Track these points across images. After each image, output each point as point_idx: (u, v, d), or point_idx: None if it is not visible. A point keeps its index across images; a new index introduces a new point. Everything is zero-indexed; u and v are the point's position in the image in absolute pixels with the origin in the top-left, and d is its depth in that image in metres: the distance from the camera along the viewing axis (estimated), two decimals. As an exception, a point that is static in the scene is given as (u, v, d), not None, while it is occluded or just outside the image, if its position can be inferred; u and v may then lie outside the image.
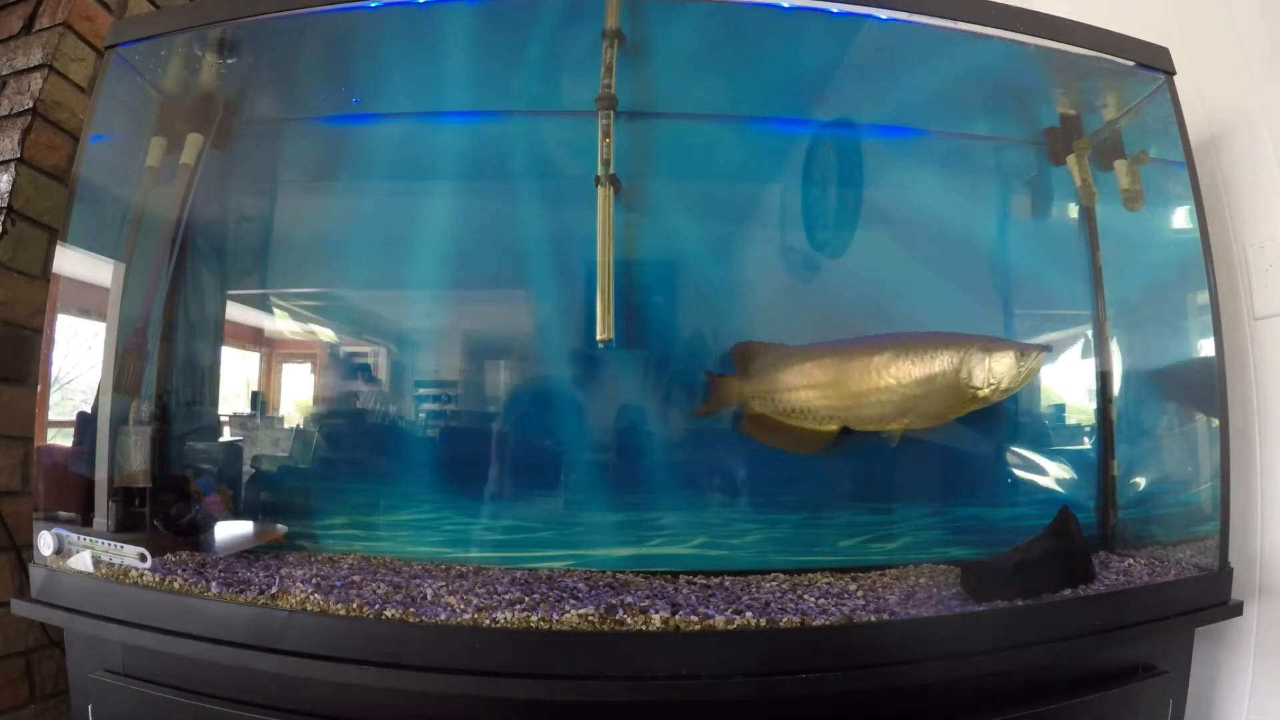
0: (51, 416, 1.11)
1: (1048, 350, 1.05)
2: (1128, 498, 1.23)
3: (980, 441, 1.21)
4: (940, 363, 1.01)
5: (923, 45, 1.15)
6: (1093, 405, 1.24)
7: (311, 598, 0.89)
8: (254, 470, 1.17)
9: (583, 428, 1.14)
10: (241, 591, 0.91)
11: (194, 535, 1.10)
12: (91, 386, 1.12)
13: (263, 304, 1.23)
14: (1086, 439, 1.24)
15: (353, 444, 1.19)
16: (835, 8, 1.10)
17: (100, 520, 1.07)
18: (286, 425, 1.20)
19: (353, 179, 1.25)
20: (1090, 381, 1.24)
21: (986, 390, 1.00)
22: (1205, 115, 1.22)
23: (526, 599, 0.90)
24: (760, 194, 1.22)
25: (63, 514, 1.06)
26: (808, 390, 1.05)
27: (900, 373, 1.01)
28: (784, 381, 1.06)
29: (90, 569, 0.97)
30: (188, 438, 1.19)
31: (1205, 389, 1.11)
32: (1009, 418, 1.24)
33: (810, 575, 1.05)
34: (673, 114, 1.21)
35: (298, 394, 1.22)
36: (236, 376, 1.21)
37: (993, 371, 1.00)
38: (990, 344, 1.02)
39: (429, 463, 1.16)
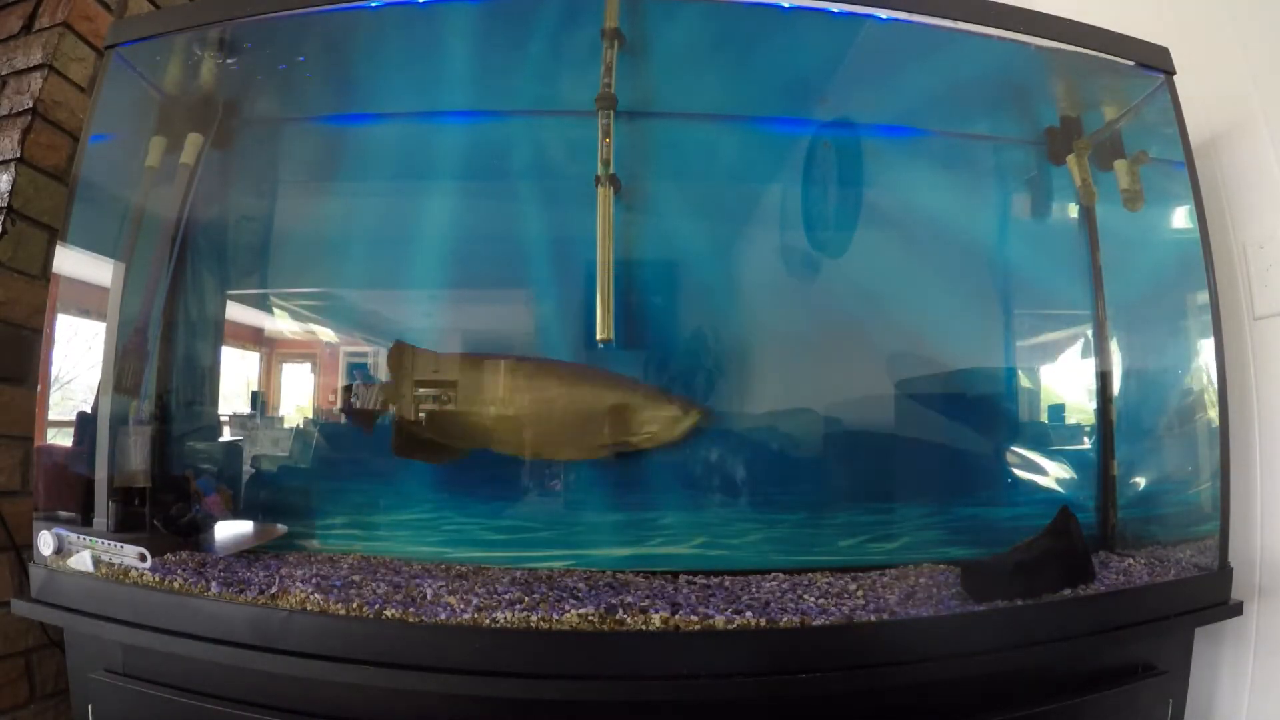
0: (51, 416, 1.11)
1: (708, 411, 1.04)
2: (1128, 497, 1.23)
3: (980, 441, 1.21)
4: (600, 402, 0.99)
5: (923, 45, 1.15)
6: (1093, 405, 1.24)
7: (311, 597, 0.89)
8: (254, 470, 1.17)
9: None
10: (241, 591, 0.91)
11: (194, 535, 1.10)
12: (91, 386, 1.12)
13: (262, 304, 1.23)
14: (1086, 439, 1.24)
15: (353, 443, 1.19)
16: (835, 8, 1.10)
17: (100, 520, 1.07)
18: (286, 425, 1.20)
19: (353, 179, 1.25)
20: (1090, 381, 1.24)
21: (639, 438, 0.99)
22: (1205, 115, 1.22)
23: (526, 599, 0.90)
24: (760, 194, 1.22)
25: (63, 514, 1.06)
26: (448, 404, 1.01)
27: (557, 405, 0.99)
28: (425, 391, 1.02)
29: (90, 569, 0.97)
30: (188, 437, 1.19)
31: (1205, 389, 1.11)
32: (1009, 418, 1.24)
33: (810, 575, 1.05)
34: (673, 114, 1.21)
35: (297, 394, 1.22)
36: (236, 376, 1.21)
37: (652, 421, 0.99)
38: (657, 395, 1.01)
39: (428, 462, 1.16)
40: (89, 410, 1.12)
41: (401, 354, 1.02)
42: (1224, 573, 1.05)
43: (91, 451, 1.10)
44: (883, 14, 1.09)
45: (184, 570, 0.98)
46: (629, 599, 0.91)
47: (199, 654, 0.87)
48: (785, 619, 0.86)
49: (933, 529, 1.15)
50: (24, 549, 1.17)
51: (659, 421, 0.99)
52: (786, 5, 1.12)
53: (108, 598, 0.93)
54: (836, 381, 1.17)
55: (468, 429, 1.00)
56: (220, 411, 1.21)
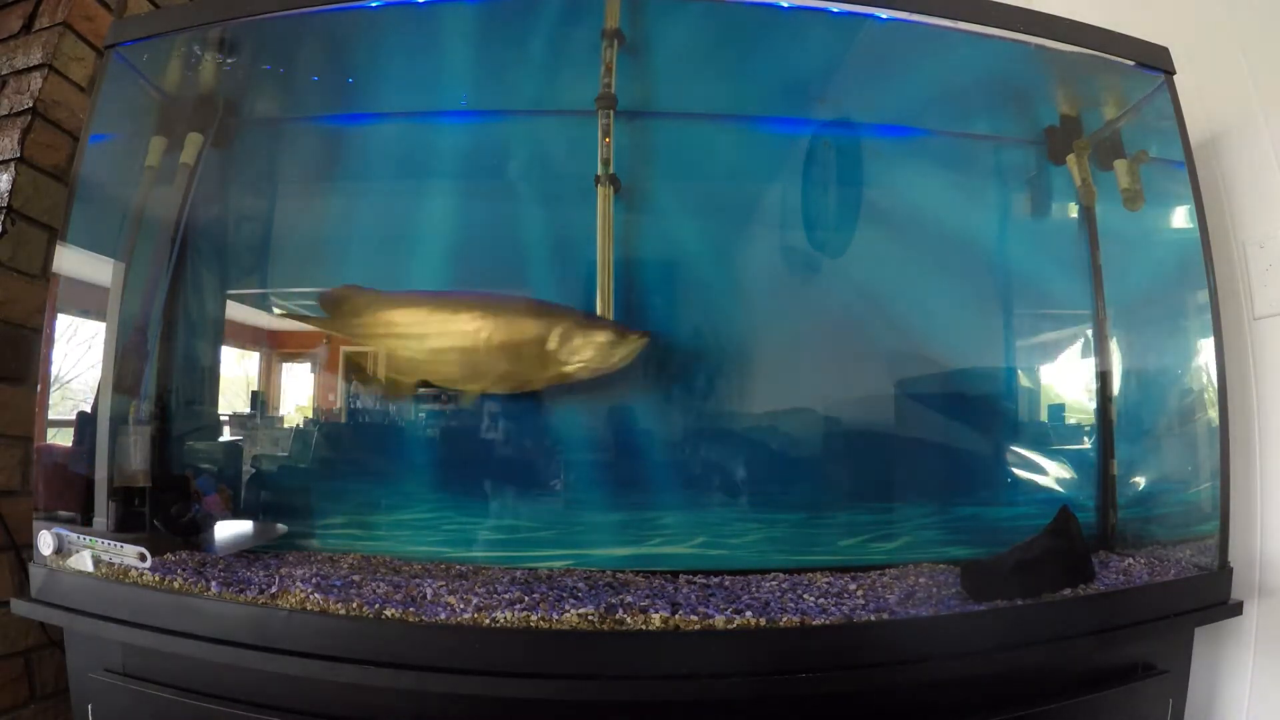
0: (51, 416, 1.11)
1: (647, 336, 1.02)
2: (1127, 497, 1.23)
3: (980, 441, 1.21)
4: (529, 330, 0.97)
5: (923, 45, 1.15)
6: (1092, 404, 1.24)
7: (311, 597, 0.89)
8: (254, 470, 1.17)
9: (583, 427, 1.14)
10: (241, 591, 0.91)
11: (194, 535, 1.10)
12: (91, 386, 1.12)
13: (262, 303, 1.23)
14: (1086, 438, 1.24)
15: (352, 443, 1.19)
16: (835, 7, 1.10)
17: (100, 520, 1.07)
18: (286, 425, 1.20)
19: (353, 179, 1.25)
20: (1090, 381, 1.24)
21: (573, 366, 0.97)
22: (1205, 115, 1.22)
23: (526, 598, 0.90)
24: (760, 193, 1.22)
25: (63, 513, 1.06)
26: (390, 339, 1.02)
27: (486, 335, 0.98)
28: (369, 328, 1.03)
29: (90, 569, 0.97)
30: (187, 437, 1.19)
31: (1205, 388, 1.11)
32: (1009, 417, 1.24)
33: (810, 575, 1.05)
34: (673, 114, 1.21)
35: (297, 393, 1.22)
36: (236, 376, 1.21)
37: (585, 347, 0.97)
38: (587, 321, 0.99)
39: (429, 462, 1.16)
40: (89, 410, 1.12)
41: (346, 294, 1.03)
42: (1224, 572, 1.05)
43: (91, 451, 1.10)
44: (883, 14, 1.09)
45: (184, 570, 0.98)
46: (629, 599, 0.91)
47: (199, 654, 0.87)
48: (785, 619, 0.86)
49: (933, 529, 1.15)
50: (24, 549, 1.17)
51: (592, 348, 0.97)
52: (786, 5, 1.12)
53: (108, 597, 0.93)
54: (836, 381, 1.17)
55: (408, 364, 1.01)
56: (220, 411, 1.21)
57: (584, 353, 0.97)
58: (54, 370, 1.10)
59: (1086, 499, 1.22)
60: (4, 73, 1.25)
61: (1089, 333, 1.25)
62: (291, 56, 1.24)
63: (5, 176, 1.19)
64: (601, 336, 0.98)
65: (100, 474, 1.09)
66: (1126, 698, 0.96)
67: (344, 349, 1.20)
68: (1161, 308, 1.25)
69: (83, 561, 0.98)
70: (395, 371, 1.02)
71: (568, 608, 0.86)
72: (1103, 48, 1.14)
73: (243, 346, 1.22)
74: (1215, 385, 1.09)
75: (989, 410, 1.22)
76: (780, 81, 1.22)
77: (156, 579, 0.94)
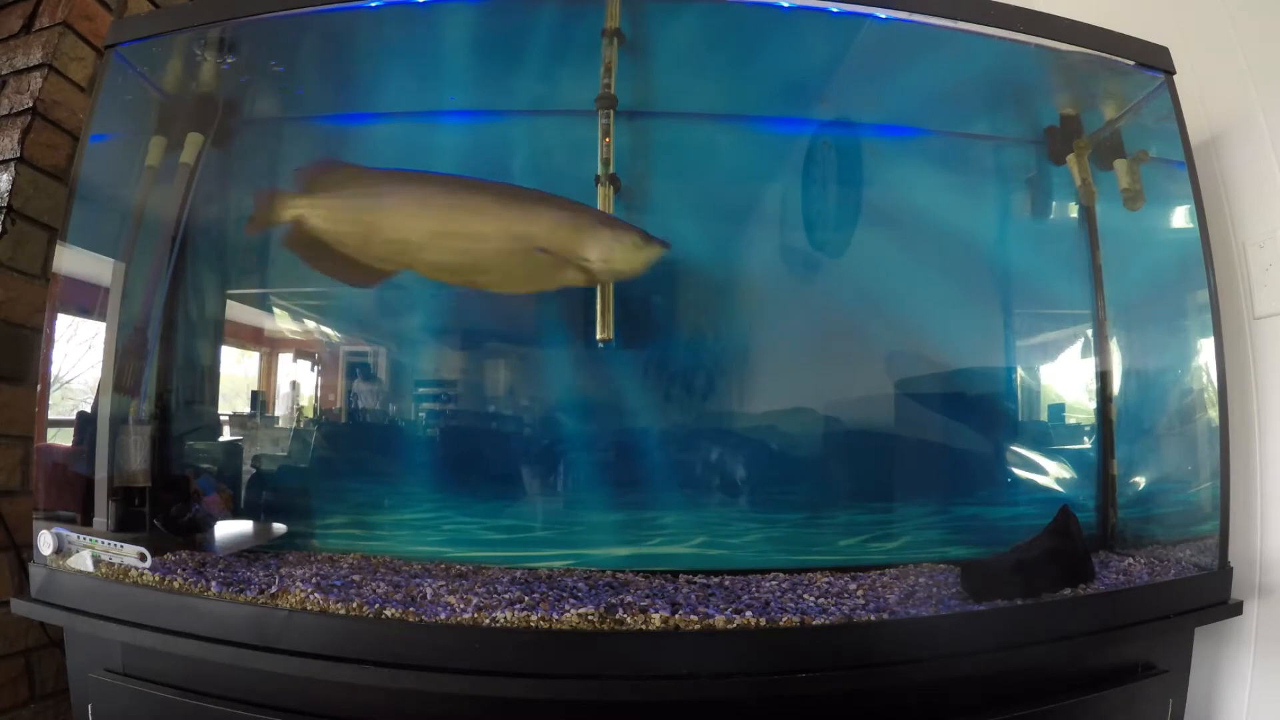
0: (51, 416, 1.11)
1: (667, 245, 0.94)
2: (1127, 497, 1.23)
3: (980, 441, 1.21)
4: (547, 225, 0.88)
5: (923, 45, 1.15)
6: (1092, 404, 1.24)
7: (311, 597, 0.89)
8: (254, 470, 1.17)
9: (583, 427, 1.14)
10: (241, 591, 0.91)
11: (194, 534, 1.10)
12: (91, 386, 1.12)
13: (262, 303, 1.23)
14: (1086, 438, 1.24)
15: (352, 443, 1.19)
16: (835, 7, 1.10)
17: (100, 520, 1.07)
18: (286, 424, 1.20)
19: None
20: (1090, 381, 1.24)
21: (597, 265, 0.89)
22: (1205, 115, 1.22)
23: (526, 598, 0.90)
24: (760, 193, 1.22)
25: (62, 513, 1.06)
26: (373, 217, 0.90)
27: (497, 225, 0.88)
28: (349, 203, 0.91)
29: (90, 568, 0.97)
30: (187, 437, 1.19)
31: (1205, 388, 1.11)
32: (1009, 417, 1.24)
33: (810, 574, 1.05)
34: (673, 114, 1.21)
35: (297, 393, 1.22)
36: (236, 376, 1.21)
37: (609, 249, 0.89)
38: (611, 221, 0.92)
39: (429, 462, 1.16)
40: (89, 410, 1.12)
41: (328, 167, 0.93)
42: (1224, 572, 1.05)
43: (91, 451, 1.10)
44: (882, 14, 1.09)
45: (184, 570, 0.98)
46: (629, 598, 0.91)
47: (199, 654, 0.87)
48: (785, 618, 0.86)
49: (933, 528, 1.15)
50: (24, 549, 1.17)
51: (619, 249, 0.89)
52: (786, 5, 1.12)
53: (108, 597, 0.93)
54: (836, 381, 1.18)
55: (393, 248, 0.90)
56: (220, 411, 1.21)
57: (609, 254, 0.89)
58: (54, 370, 1.10)
59: (1086, 499, 1.22)
60: (4, 73, 1.25)
61: (1089, 332, 1.25)
62: (292, 56, 1.24)
63: (5, 176, 1.19)
64: (628, 238, 0.90)
65: (100, 474, 1.09)
66: (1126, 698, 0.96)
67: (344, 349, 1.20)
68: (1161, 307, 1.25)
69: (83, 561, 0.98)
70: (375, 257, 0.90)
71: (568, 608, 0.86)
72: (1103, 48, 1.14)
73: (242, 346, 1.22)
74: (1215, 385, 1.09)
75: (989, 410, 1.22)
76: (780, 81, 1.22)
77: (156, 579, 0.94)
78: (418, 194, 0.91)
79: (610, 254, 0.89)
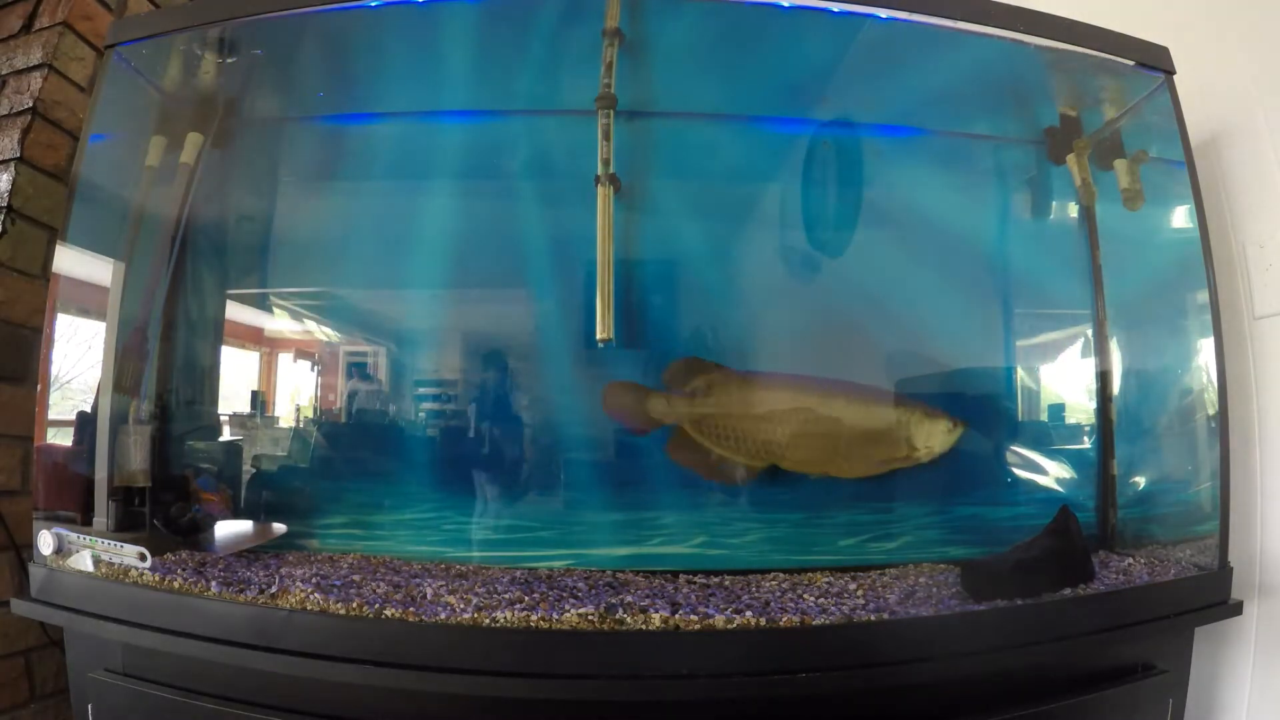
0: (51, 416, 1.11)
1: (965, 425, 1.09)
2: (1127, 497, 1.23)
3: (980, 441, 1.21)
4: (887, 418, 1.03)
5: (923, 45, 1.15)
6: (1092, 404, 1.24)
7: (311, 597, 0.89)
8: (254, 469, 1.17)
9: (583, 427, 1.14)
10: (241, 591, 0.91)
11: (194, 534, 1.10)
12: (91, 386, 1.12)
13: (262, 303, 1.23)
14: (1086, 438, 1.24)
15: (352, 443, 1.19)
16: (835, 7, 1.10)
17: (100, 520, 1.07)
18: (286, 424, 1.20)
19: (353, 179, 1.25)
20: (1090, 381, 1.24)
21: (921, 451, 1.03)
22: (1205, 115, 1.22)
23: (526, 598, 0.90)
24: (760, 193, 1.22)
25: (62, 513, 1.06)
26: (747, 421, 1.01)
27: (845, 421, 1.02)
28: (725, 408, 1.02)
29: (90, 568, 0.97)
30: (187, 437, 1.19)
31: (1205, 388, 1.11)
32: (1009, 417, 1.24)
33: (810, 574, 1.05)
34: (673, 113, 1.21)
35: (297, 393, 1.22)
36: (236, 376, 1.21)
37: (929, 435, 1.04)
38: (931, 412, 1.06)
39: (429, 462, 1.16)
40: (89, 410, 1.12)
41: (697, 369, 1.03)
42: (1224, 572, 1.05)
43: (91, 451, 1.10)
44: (883, 14, 1.09)
45: (184, 570, 0.98)
46: (629, 598, 0.91)
47: (199, 654, 0.87)
48: (785, 618, 0.86)
49: (933, 529, 1.15)
50: (24, 548, 1.17)
51: (937, 435, 1.04)
52: (786, 5, 1.12)
53: (107, 597, 0.93)
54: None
55: (764, 447, 1.02)
56: (220, 411, 1.21)
57: (930, 439, 1.03)
58: (54, 370, 1.10)
59: (1086, 499, 1.22)
60: (4, 73, 1.25)
61: (1089, 332, 1.25)
62: (291, 56, 1.24)
63: (5, 176, 1.19)
64: (943, 425, 1.04)
65: (100, 474, 1.09)
66: (1126, 698, 0.96)
67: (344, 349, 1.20)
68: (1161, 307, 1.25)
69: (83, 561, 0.98)
70: (748, 454, 1.02)
71: (568, 607, 0.86)
72: (1103, 48, 1.14)
73: (242, 346, 1.22)
74: (1215, 385, 1.09)
75: (989, 410, 1.22)
76: (780, 81, 1.22)
77: (156, 579, 0.94)
78: (786, 400, 1.04)
79: (930, 439, 1.04)
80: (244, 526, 1.16)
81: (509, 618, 0.85)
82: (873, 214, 1.20)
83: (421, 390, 1.17)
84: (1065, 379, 1.27)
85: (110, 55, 1.14)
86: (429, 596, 0.91)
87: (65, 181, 1.24)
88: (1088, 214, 1.28)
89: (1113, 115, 1.28)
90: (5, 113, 1.23)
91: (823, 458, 1.03)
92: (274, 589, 0.91)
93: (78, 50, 1.29)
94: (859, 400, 1.04)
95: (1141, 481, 1.26)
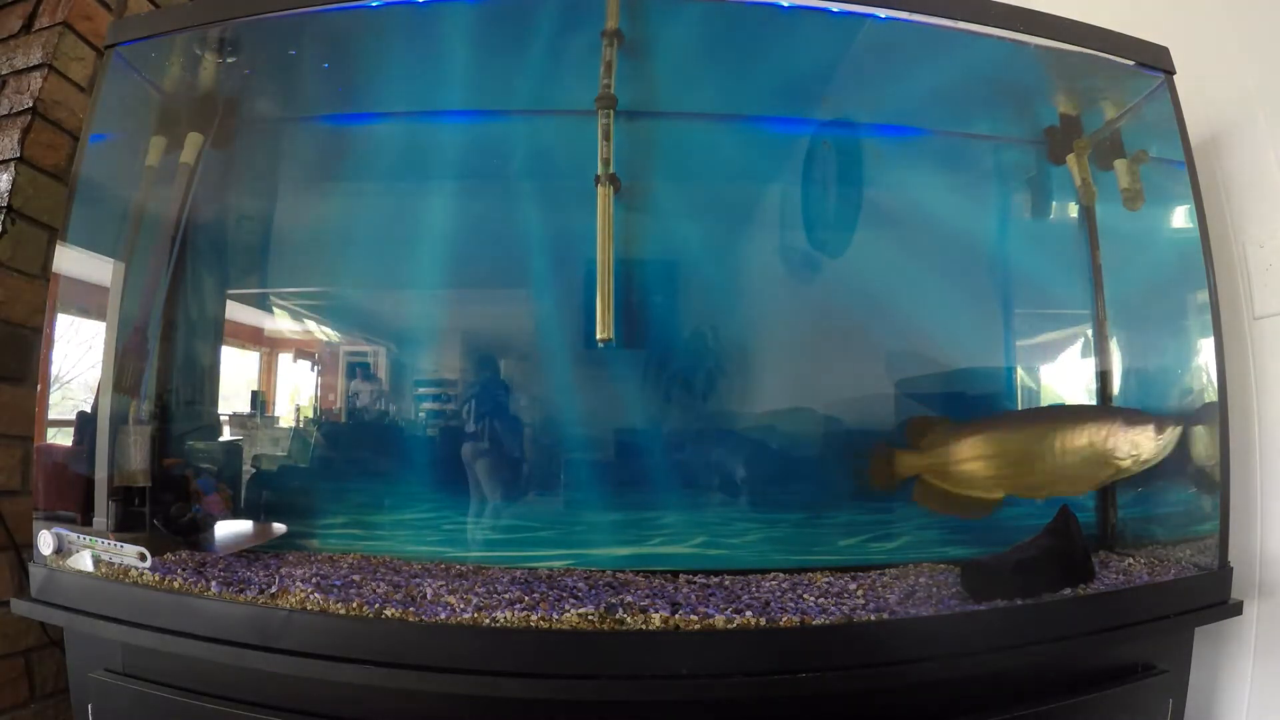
0: (51, 416, 1.11)
1: (1182, 424, 1.11)
2: (1127, 497, 1.23)
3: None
4: (1089, 435, 1.08)
5: (923, 45, 1.15)
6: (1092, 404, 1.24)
7: (311, 597, 0.89)
8: (254, 469, 1.17)
9: (583, 427, 1.14)
10: (241, 591, 0.91)
11: (194, 534, 1.10)
12: (91, 386, 1.12)
13: (262, 303, 1.23)
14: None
15: (352, 443, 1.19)
16: (835, 7, 1.10)
17: (100, 520, 1.07)
18: (286, 424, 1.20)
19: (352, 179, 1.25)
20: (1090, 380, 1.24)
21: (1128, 461, 1.07)
22: (1205, 115, 1.22)
23: (526, 598, 0.90)
24: (760, 193, 1.22)
25: (62, 513, 1.06)
26: (976, 461, 1.11)
27: (1056, 444, 1.09)
28: (956, 454, 1.11)
29: (90, 568, 0.97)
30: (187, 437, 1.19)
31: (1205, 388, 1.11)
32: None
33: (810, 574, 1.05)
34: (673, 114, 1.21)
35: (297, 393, 1.22)
36: (236, 376, 1.21)
37: (1134, 444, 1.07)
38: (1132, 418, 1.09)
39: (429, 462, 1.16)
40: (89, 410, 1.12)
41: (927, 425, 1.13)
42: (1224, 572, 1.05)
43: (91, 451, 1.10)
44: (882, 14, 1.09)
45: (184, 570, 0.98)
46: (629, 598, 0.91)
47: (199, 654, 0.86)
48: (785, 618, 0.86)
49: (933, 528, 1.15)
50: (24, 549, 1.17)
51: (1144, 441, 1.07)
52: (786, 5, 1.12)
53: (107, 597, 0.93)
54: (836, 380, 1.17)
55: (994, 481, 1.10)
56: (220, 411, 1.21)
57: (1136, 448, 1.07)
58: (54, 370, 1.10)
59: (1086, 499, 1.22)
60: (4, 73, 1.25)
61: (1089, 332, 1.25)
62: (291, 56, 1.24)
63: (5, 176, 1.19)
64: (1150, 430, 1.07)
65: (100, 474, 1.09)
66: (1126, 698, 0.96)
67: (344, 349, 1.20)
68: (1161, 307, 1.25)
69: (83, 561, 0.98)
70: (982, 489, 1.10)
71: (568, 607, 0.86)
72: (1103, 48, 1.14)
73: (242, 346, 1.22)
74: (1215, 385, 1.09)
75: (989, 410, 1.22)
76: (780, 81, 1.22)
77: (156, 579, 0.94)
78: (1009, 439, 1.13)
79: (1138, 448, 1.07)
80: (244, 526, 1.16)
81: (509, 618, 0.85)
82: (872, 214, 1.20)
83: (421, 390, 1.17)
84: (1065, 378, 1.27)
85: (110, 55, 1.14)
86: (429, 596, 0.91)
87: (65, 181, 1.24)
88: (1088, 214, 1.28)
89: (1113, 115, 1.28)
90: (5, 113, 1.23)
91: (1046, 481, 1.10)
92: (274, 589, 0.91)
93: (78, 50, 1.28)
94: (1060, 424, 1.11)
95: (1141, 481, 1.26)
